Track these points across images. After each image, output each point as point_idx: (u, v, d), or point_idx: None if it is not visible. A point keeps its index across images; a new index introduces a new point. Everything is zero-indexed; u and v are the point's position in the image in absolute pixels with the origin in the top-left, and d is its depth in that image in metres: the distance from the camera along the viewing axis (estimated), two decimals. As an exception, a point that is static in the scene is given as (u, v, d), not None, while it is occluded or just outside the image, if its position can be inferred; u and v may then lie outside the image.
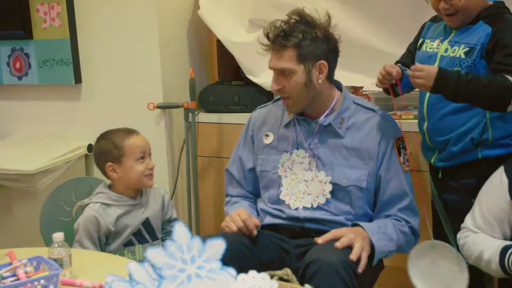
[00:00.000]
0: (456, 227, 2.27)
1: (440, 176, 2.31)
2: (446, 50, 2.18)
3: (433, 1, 2.15)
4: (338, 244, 1.94)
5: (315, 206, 2.14)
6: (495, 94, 1.97)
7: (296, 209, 2.16)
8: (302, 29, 2.08)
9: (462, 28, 2.17)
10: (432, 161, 2.33)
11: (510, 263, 1.78)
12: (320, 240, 2.00)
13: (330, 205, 2.14)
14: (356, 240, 1.96)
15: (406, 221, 2.17)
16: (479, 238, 1.92)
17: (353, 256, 1.90)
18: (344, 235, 1.98)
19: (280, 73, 2.11)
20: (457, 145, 2.18)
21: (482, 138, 2.13)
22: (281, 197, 2.19)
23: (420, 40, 2.36)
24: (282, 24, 2.09)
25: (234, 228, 2.07)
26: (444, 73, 1.99)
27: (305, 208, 2.15)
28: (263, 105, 2.42)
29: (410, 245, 2.16)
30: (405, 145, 2.24)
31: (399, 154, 2.19)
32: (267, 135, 2.29)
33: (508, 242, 1.85)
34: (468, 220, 1.97)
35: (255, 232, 2.08)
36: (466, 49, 2.11)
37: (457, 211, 2.23)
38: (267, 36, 2.10)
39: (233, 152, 2.43)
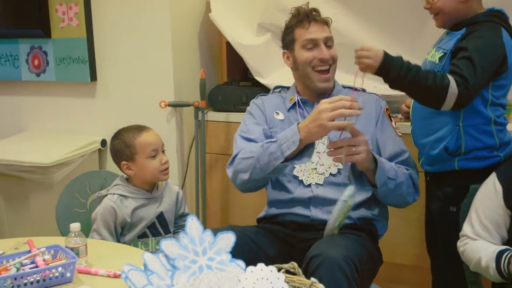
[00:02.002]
0: (439, 232, 2.29)
1: (428, 178, 2.33)
2: (431, 56, 2.19)
3: (424, 2, 2.16)
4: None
5: (327, 175, 2.16)
6: (432, 89, 1.92)
7: (309, 185, 2.16)
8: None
9: (449, 35, 2.16)
10: (420, 163, 2.32)
11: (505, 267, 1.78)
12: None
13: (341, 176, 2.16)
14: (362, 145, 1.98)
15: (407, 169, 2.18)
16: (477, 244, 1.91)
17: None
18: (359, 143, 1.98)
19: (325, 43, 2.21)
20: (434, 150, 2.16)
21: (455, 147, 2.10)
22: (295, 173, 2.19)
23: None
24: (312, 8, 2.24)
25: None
26: (390, 56, 1.97)
27: (317, 184, 2.16)
28: (263, 94, 2.43)
29: (410, 192, 2.14)
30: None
31: (391, 120, 2.25)
32: (277, 113, 2.30)
33: (503, 247, 1.84)
34: (466, 228, 1.96)
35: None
36: (442, 54, 2.11)
37: (437, 216, 2.27)
38: (308, 15, 2.21)
39: (244, 125, 2.32)
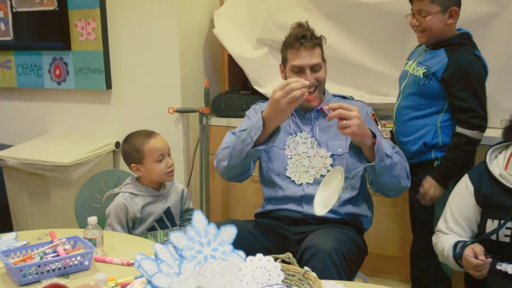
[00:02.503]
0: (419, 225, 2.38)
1: None
2: (413, 69, 2.29)
3: (410, 18, 2.25)
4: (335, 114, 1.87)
5: (318, 177, 2.13)
6: (467, 153, 2.18)
7: (301, 184, 2.15)
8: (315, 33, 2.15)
9: (428, 52, 2.25)
10: None
11: (458, 255, 1.78)
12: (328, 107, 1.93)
13: None
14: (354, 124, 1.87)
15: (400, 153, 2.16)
16: (444, 237, 1.91)
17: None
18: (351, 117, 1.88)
19: (312, 68, 2.11)
20: (414, 146, 2.28)
21: (433, 142, 2.25)
22: (287, 174, 2.17)
23: (405, 62, 2.44)
24: (305, 30, 2.11)
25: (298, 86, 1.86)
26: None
27: (308, 184, 2.15)
28: (262, 100, 2.38)
29: (403, 175, 2.07)
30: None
31: (377, 124, 2.22)
32: None
33: (460, 238, 1.85)
34: (440, 224, 1.96)
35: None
36: (425, 70, 2.21)
37: (419, 208, 2.35)
38: (299, 39, 2.09)
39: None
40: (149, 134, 2.25)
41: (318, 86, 2.16)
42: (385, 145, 2.01)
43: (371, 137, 1.90)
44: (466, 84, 2.13)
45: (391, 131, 2.46)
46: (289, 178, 2.18)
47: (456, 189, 1.94)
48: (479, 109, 2.13)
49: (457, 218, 1.89)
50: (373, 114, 2.28)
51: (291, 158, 2.18)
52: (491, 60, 2.30)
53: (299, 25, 2.17)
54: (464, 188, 1.89)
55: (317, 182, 2.14)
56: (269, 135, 1.97)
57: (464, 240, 1.82)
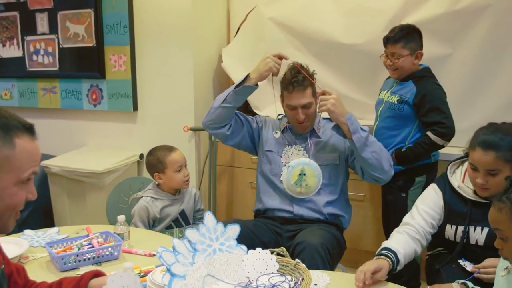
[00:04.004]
0: (392, 212, 2.39)
1: None
2: (388, 97, 2.34)
3: (384, 60, 2.33)
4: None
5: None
6: (428, 150, 2.25)
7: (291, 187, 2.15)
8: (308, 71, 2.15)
9: (398, 83, 2.32)
10: None
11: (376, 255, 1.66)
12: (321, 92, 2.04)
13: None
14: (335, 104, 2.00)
15: None
16: (393, 236, 1.76)
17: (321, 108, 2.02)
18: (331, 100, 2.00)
19: (303, 106, 2.11)
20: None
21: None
22: (281, 178, 2.16)
23: (379, 92, 2.48)
24: (296, 74, 2.10)
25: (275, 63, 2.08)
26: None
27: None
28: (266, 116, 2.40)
29: (384, 157, 2.05)
30: None
31: None
32: (276, 132, 2.26)
33: (388, 244, 1.67)
34: (406, 218, 1.83)
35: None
36: (398, 98, 2.28)
37: (392, 201, 2.39)
38: (292, 83, 2.08)
39: None
40: (170, 148, 2.24)
41: (308, 120, 2.16)
42: (364, 128, 2.04)
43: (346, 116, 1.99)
44: (433, 106, 2.20)
45: None
46: (282, 181, 2.17)
47: (424, 193, 1.87)
48: (445, 121, 2.19)
49: (423, 215, 1.78)
50: None
51: (285, 165, 2.17)
52: (447, 91, 2.32)
53: (291, 68, 2.14)
54: (433, 192, 1.83)
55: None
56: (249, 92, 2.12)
57: (382, 251, 1.64)
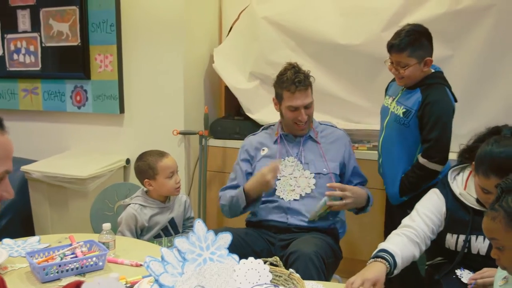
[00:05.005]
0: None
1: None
2: (394, 107, 2.22)
3: (389, 67, 2.18)
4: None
5: (303, 194, 2.16)
6: (423, 177, 2.14)
7: (289, 201, 2.16)
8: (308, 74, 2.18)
9: (405, 91, 2.18)
10: (386, 189, 2.35)
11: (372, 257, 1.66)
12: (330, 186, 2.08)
13: (315, 192, 2.16)
14: (349, 200, 2.07)
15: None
16: (390, 237, 1.75)
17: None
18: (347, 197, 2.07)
19: (305, 107, 2.15)
20: (394, 189, 2.26)
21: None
22: (277, 193, 2.18)
23: (385, 96, 2.38)
24: (297, 73, 2.13)
25: (271, 176, 2.06)
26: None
27: (295, 199, 2.16)
28: (252, 133, 2.42)
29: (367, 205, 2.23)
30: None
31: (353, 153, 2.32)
32: (263, 149, 2.28)
33: (385, 246, 1.67)
34: (405, 220, 1.81)
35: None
36: (404, 110, 2.15)
37: (398, 216, 2.22)
38: (294, 83, 2.11)
39: (230, 177, 2.37)
40: (161, 153, 2.22)
41: (309, 120, 2.20)
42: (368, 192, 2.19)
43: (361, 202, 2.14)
44: (432, 119, 2.07)
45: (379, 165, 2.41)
46: (278, 196, 2.18)
47: (425, 197, 1.85)
48: (437, 142, 2.07)
49: (423, 217, 1.77)
50: (350, 142, 2.34)
51: (279, 179, 2.18)
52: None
53: (292, 66, 2.17)
54: (435, 197, 1.82)
55: (302, 198, 2.16)
56: (258, 195, 2.15)
57: (381, 253, 1.64)
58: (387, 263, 1.58)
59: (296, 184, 2.17)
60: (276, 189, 2.18)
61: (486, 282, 1.56)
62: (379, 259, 1.59)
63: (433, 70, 2.18)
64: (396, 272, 1.61)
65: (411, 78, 2.12)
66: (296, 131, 2.23)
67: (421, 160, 2.11)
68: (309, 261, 1.81)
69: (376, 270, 1.55)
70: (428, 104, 2.06)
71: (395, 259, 1.61)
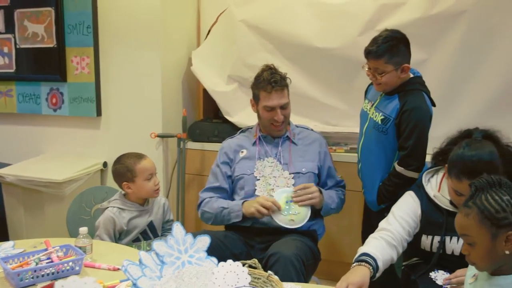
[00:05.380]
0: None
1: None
2: (372, 114, 2.21)
3: (367, 72, 2.16)
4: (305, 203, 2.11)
5: None
6: (400, 185, 2.09)
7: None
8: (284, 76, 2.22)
9: (384, 97, 2.17)
10: (363, 192, 2.35)
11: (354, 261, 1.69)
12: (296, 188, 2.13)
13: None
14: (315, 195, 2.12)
15: (342, 191, 2.32)
16: (369, 241, 1.77)
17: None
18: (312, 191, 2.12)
19: (281, 107, 2.19)
20: (372, 196, 2.25)
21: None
22: (256, 193, 2.19)
23: (364, 99, 2.36)
24: (274, 74, 2.17)
25: (266, 212, 2.06)
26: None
27: None
28: (230, 136, 2.43)
29: (341, 205, 2.30)
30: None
31: (330, 156, 2.36)
32: (242, 151, 2.29)
33: (365, 252, 1.69)
34: (382, 224, 1.84)
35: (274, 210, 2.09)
36: (382, 117, 2.14)
37: (375, 218, 2.22)
38: (271, 83, 2.15)
39: (208, 180, 2.37)
40: (139, 156, 2.21)
41: (286, 120, 2.23)
42: (330, 201, 2.20)
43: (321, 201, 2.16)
44: (409, 127, 2.05)
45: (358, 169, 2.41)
46: (257, 196, 2.19)
47: (401, 200, 1.88)
48: (413, 150, 2.06)
49: (399, 220, 1.79)
50: (327, 145, 2.37)
51: (258, 179, 2.20)
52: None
53: (269, 67, 2.21)
54: (410, 200, 1.84)
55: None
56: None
57: (362, 257, 1.66)
58: (370, 267, 1.60)
59: (275, 183, 2.19)
60: (256, 189, 2.19)
61: (459, 281, 1.60)
62: (363, 263, 1.61)
63: (412, 75, 2.18)
64: (378, 275, 1.64)
65: (388, 85, 2.11)
66: (272, 132, 2.25)
67: (398, 168, 2.10)
68: (289, 263, 1.82)
69: (360, 274, 1.57)
70: (406, 111, 2.05)
71: (377, 263, 1.63)
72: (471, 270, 1.42)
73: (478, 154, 1.60)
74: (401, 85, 2.12)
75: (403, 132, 2.07)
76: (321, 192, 2.17)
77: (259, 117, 2.27)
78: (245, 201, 2.15)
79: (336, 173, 2.35)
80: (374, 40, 2.09)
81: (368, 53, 2.09)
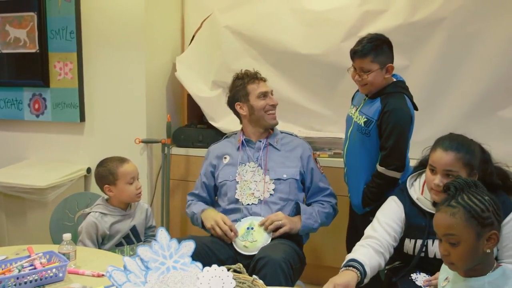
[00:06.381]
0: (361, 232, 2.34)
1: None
2: (356, 117, 2.24)
3: (352, 74, 2.20)
4: (271, 227, 2.12)
5: (261, 199, 2.21)
6: (383, 185, 2.15)
7: (248, 204, 2.22)
8: None
9: (367, 101, 2.21)
10: (349, 196, 2.37)
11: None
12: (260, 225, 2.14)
13: (273, 197, 2.22)
14: (285, 223, 2.14)
15: (329, 202, 2.33)
16: (356, 249, 1.77)
17: (276, 233, 2.12)
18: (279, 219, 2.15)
19: (271, 93, 2.37)
20: (357, 200, 2.27)
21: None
22: (236, 196, 2.24)
23: (351, 105, 2.39)
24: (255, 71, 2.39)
25: (220, 232, 2.13)
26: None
27: (253, 204, 2.22)
28: (216, 141, 2.49)
29: (330, 218, 2.34)
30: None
31: (316, 162, 2.38)
32: (225, 158, 2.35)
33: (354, 256, 1.69)
34: (368, 231, 1.85)
35: (233, 239, 2.14)
36: (365, 119, 2.17)
37: (361, 222, 2.27)
38: (256, 76, 2.36)
39: (198, 179, 2.46)
40: (122, 159, 2.21)
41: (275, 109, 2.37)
42: (310, 222, 2.22)
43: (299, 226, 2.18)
44: (389, 128, 2.09)
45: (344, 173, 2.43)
46: (237, 199, 2.22)
47: (384, 205, 1.90)
48: (393, 150, 2.09)
49: (384, 226, 1.81)
50: (313, 153, 2.39)
51: (239, 183, 2.24)
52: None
53: (243, 71, 2.39)
54: (394, 205, 1.87)
55: (260, 203, 2.19)
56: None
57: (350, 262, 1.67)
58: (358, 272, 1.61)
59: (256, 188, 2.21)
60: (236, 192, 2.23)
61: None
62: (350, 268, 1.62)
63: (395, 80, 2.22)
64: (366, 281, 1.65)
65: (374, 85, 2.15)
66: (268, 121, 2.32)
67: (380, 168, 2.14)
68: (278, 267, 1.83)
69: (347, 277, 1.58)
70: (386, 112, 2.09)
71: (365, 268, 1.64)
72: (443, 274, 1.44)
73: (456, 135, 1.75)
74: (383, 88, 2.15)
75: (383, 133, 2.11)
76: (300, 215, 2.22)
77: (251, 114, 2.33)
78: (206, 210, 2.28)
79: (325, 181, 2.38)
80: (359, 41, 2.14)
81: (354, 52, 2.14)
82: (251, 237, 2.12)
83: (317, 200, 2.33)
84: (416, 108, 2.20)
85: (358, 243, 1.81)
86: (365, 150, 2.19)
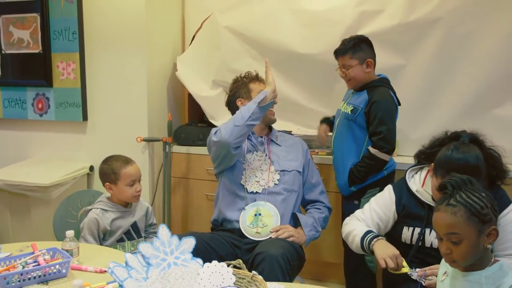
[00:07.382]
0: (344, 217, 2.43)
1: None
2: (344, 108, 2.44)
3: (339, 72, 2.42)
4: (285, 235, 2.13)
5: (266, 188, 2.23)
6: (374, 166, 2.33)
7: (252, 192, 2.24)
8: None
9: (355, 94, 2.40)
10: (337, 183, 2.51)
11: (366, 243, 1.80)
12: (274, 235, 2.13)
13: (278, 187, 2.25)
14: (294, 235, 2.15)
15: (323, 203, 2.37)
16: (356, 222, 1.93)
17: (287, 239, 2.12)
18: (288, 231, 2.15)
19: None
20: (343, 180, 2.42)
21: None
22: (242, 182, 2.26)
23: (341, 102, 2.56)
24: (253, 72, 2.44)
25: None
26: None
27: (257, 192, 2.23)
28: None
29: (326, 221, 2.36)
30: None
31: (311, 158, 2.45)
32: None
33: (369, 229, 1.86)
34: (357, 212, 1.99)
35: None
36: (352, 108, 2.37)
37: (345, 207, 2.48)
38: (257, 78, 2.41)
39: None
40: (127, 160, 2.20)
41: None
42: (313, 234, 2.24)
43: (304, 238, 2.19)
44: (379, 115, 2.26)
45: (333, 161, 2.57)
46: (243, 185, 2.24)
47: (379, 195, 1.99)
48: (385, 132, 2.25)
49: (372, 214, 1.91)
50: (310, 151, 2.49)
51: (245, 170, 2.27)
52: (400, 100, 2.42)
53: (247, 72, 2.43)
54: (387, 196, 1.93)
55: (264, 193, 2.21)
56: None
57: (374, 233, 1.82)
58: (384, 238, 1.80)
59: (262, 176, 2.24)
60: (242, 178, 2.26)
61: (434, 273, 1.64)
62: (380, 237, 1.79)
63: (379, 77, 2.39)
64: None
65: (356, 79, 2.36)
66: (269, 116, 2.35)
67: (373, 150, 2.29)
68: (275, 263, 1.83)
69: (388, 245, 1.75)
70: (374, 102, 2.28)
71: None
72: (442, 268, 1.45)
73: (465, 157, 1.65)
74: (369, 82, 2.35)
75: (374, 120, 2.28)
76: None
77: None
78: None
79: (318, 177, 2.42)
80: (342, 42, 2.39)
81: (336, 52, 2.40)
82: (261, 222, 2.16)
83: (313, 200, 2.36)
84: (399, 103, 2.38)
85: (352, 221, 1.95)
86: (352, 135, 2.37)
